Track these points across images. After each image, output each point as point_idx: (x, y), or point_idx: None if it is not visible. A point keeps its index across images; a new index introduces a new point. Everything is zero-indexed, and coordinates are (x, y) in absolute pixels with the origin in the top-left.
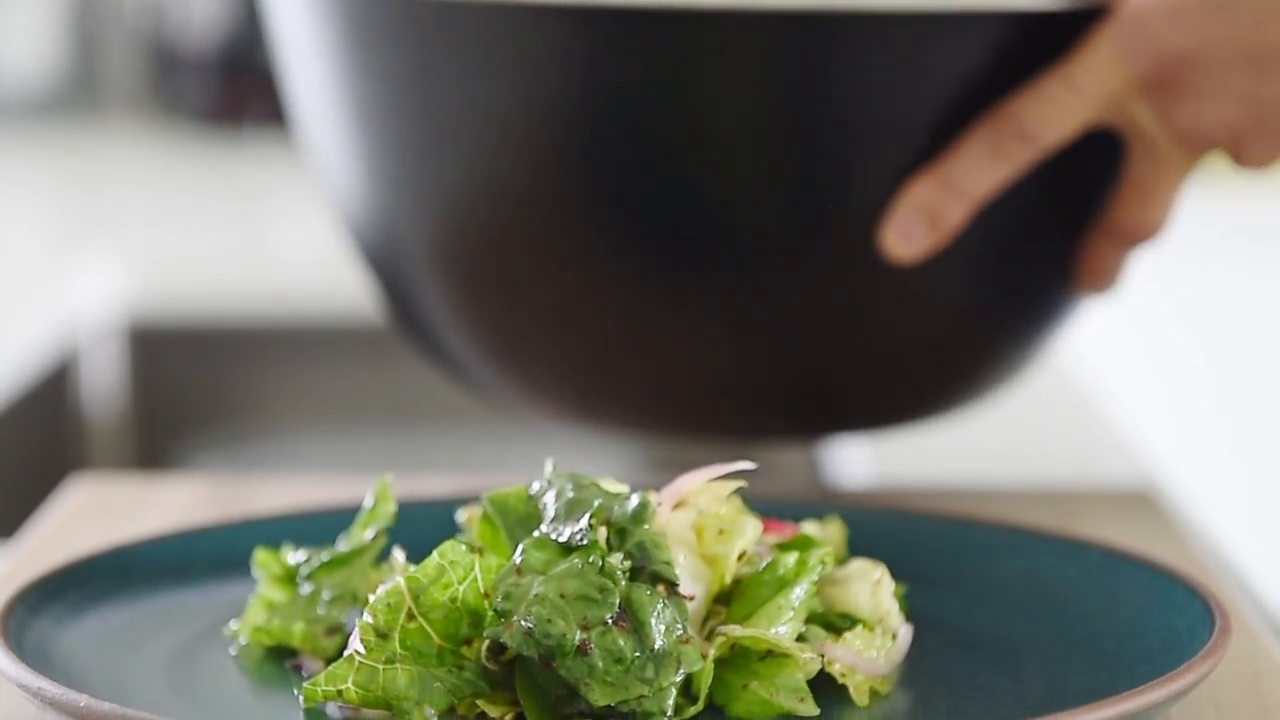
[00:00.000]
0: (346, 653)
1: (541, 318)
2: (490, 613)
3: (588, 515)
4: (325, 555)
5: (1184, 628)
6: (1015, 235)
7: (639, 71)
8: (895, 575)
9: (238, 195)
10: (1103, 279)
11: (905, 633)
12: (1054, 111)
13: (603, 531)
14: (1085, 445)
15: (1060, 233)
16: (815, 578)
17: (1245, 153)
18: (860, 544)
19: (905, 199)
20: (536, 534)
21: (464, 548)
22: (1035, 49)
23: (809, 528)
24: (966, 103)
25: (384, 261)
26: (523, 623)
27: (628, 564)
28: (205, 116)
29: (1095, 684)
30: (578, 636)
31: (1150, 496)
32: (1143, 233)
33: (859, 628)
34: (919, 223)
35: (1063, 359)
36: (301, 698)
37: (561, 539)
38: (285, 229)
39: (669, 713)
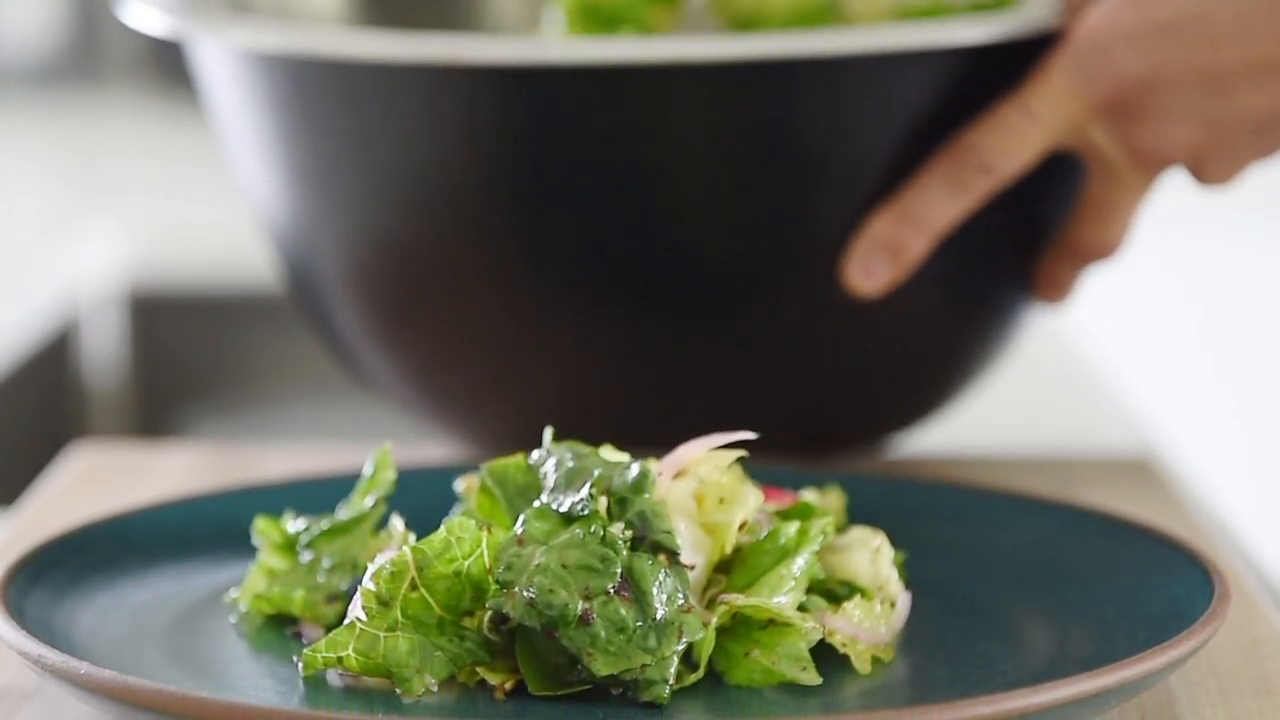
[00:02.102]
0: (347, 620)
1: (454, 342)
2: (491, 586)
3: (588, 485)
4: (325, 523)
5: (1183, 595)
6: (975, 254)
7: (589, 122)
8: (895, 543)
9: None
10: (1059, 292)
11: (904, 600)
12: (1012, 142)
13: (603, 501)
14: (1086, 413)
15: (1019, 249)
16: (816, 547)
17: (1205, 171)
18: (860, 512)
19: (866, 234)
20: (537, 504)
21: (473, 523)
22: (991, 79)
23: (808, 496)
24: (925, 135)
25: (303, 280)
26: (525, 593)
27: (629, 533)
28: None
29: (1095, 651)
30: (580, 606)
31: (1150, 464)
32: (1101, 251)
33: (858, 597)
34: (880, 257)
35: (1063, 328)
36: (301, 665)
37: (562, 509)
38: None
39: (670, 681)
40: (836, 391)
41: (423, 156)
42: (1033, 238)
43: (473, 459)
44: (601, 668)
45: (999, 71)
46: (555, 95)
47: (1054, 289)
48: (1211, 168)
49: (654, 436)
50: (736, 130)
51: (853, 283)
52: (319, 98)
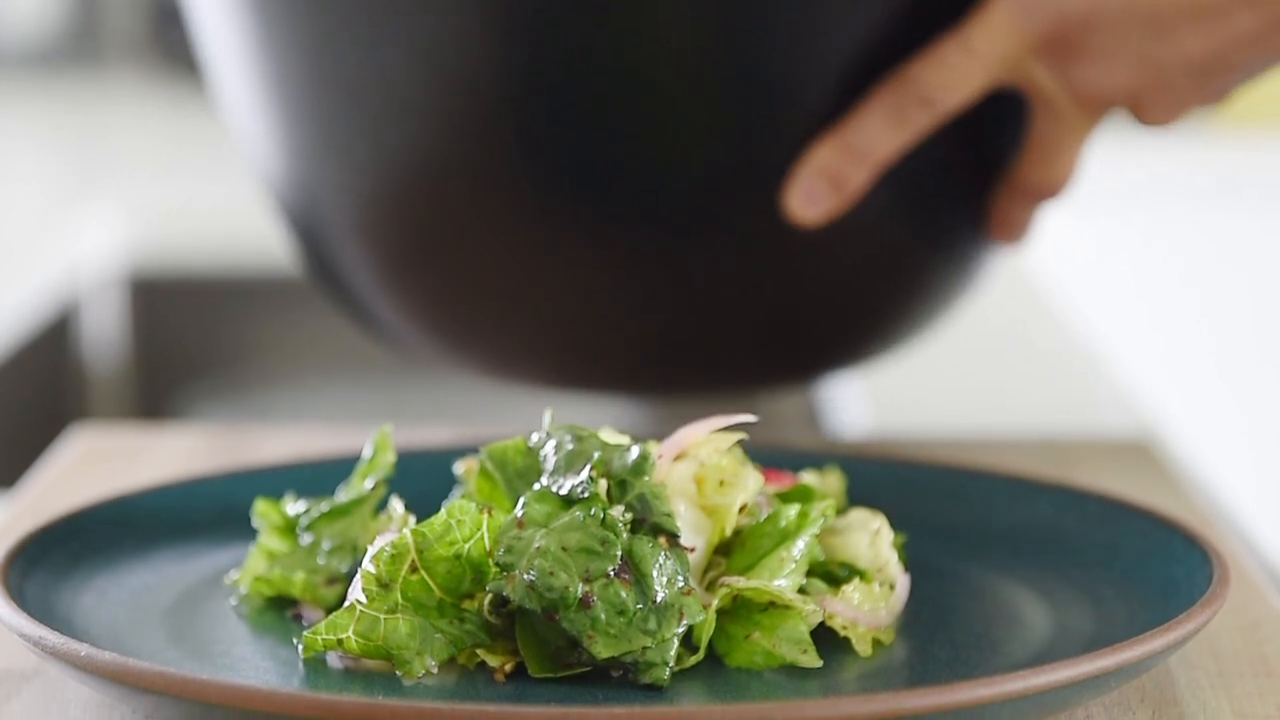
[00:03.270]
0: (347, 602)
1: (463, 277)
2: (491, 569)
3: (588, 467)
4: (325, 506)
5: (1182, 577)
6: (924, 188)
7: (549, 38)
8: (894, 525)
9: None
10: (1013, 232)
11: (904, 582)
12: (952, 76)
13: (603, 484)
14: (1084, 395)
15: (969, 185)
16: (816, 530)
17: (1145, 112)
18: (859, 494)
19: (808, 163)
20: (537, 487)
21: (473, 506)
22: (934, 12)
23: (808, 478)
24: (867, 67)
25: (305, 226)
26: (525, 576)
27: (629, 516)
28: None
29: (1094, 633)
30: (580, 589)
31: (1149, 446)
32: (1048, 189)
33: (857, 580)
34: (822, 186)
35: (1060, 308)
36: (301, 647)
37: (562, 491)
38: None
39: (671, 664)
40: (797, 316)
41: (414, 87)
42: (984, 179)
43: (473, 441)
44: (602, 650)
45: (943, 4)
46: (540, 13)
47: (1008, 228)
48: (1151, 109)
49: (647, 360)
50: (686, 53)
51: (793, 210)
52: (315, 32)
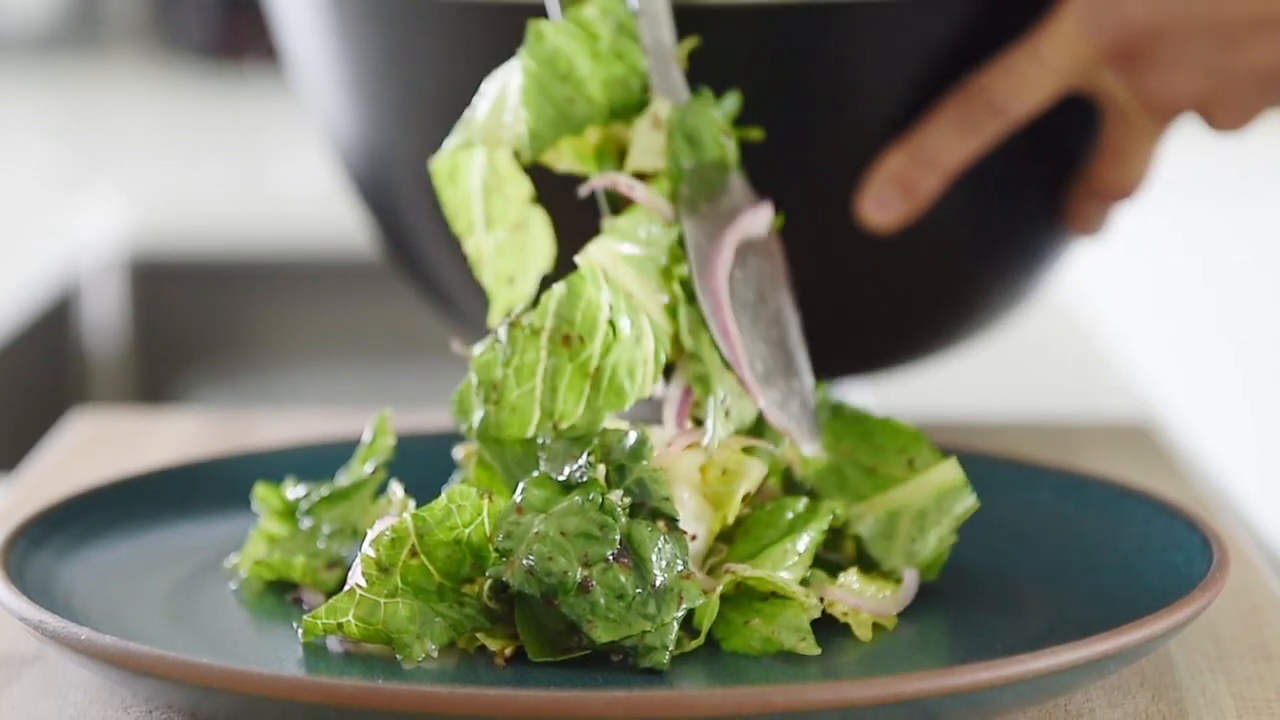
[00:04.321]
0: (347, 586)
1: None
2: (491, 555)
3: (587, 453)
4: (324, 490)
5: (1182, 561)
6: (998, 189)
7: None
8: None
9: (239, 130)
10: (1088, 227)
11: (911, 576)
12: (1022, 85)
13: (601, 469)
14: (1085, 379)
15: (1044, 184)
16: (825, 525)
17: (1215, 118)
18: None
19: (880, 170)
20: (536, 473)
21: (474, 492)
22: (1004, 22)
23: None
24: (938, 76)
25: (379, 198)
26: (524, 561)
27: (627, 501)
28: (206, 51)
29: (1094, 617)
30: (579, 574)
31: (1149, 430)
32: (1121, 191)
33: (855, 570)
34: (893, 193)
35: (1062, 293)
36: (301, 631)
37: (561, 477)
38: (286, 164)
39: (670, 648)
40: (864, 313)
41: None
42: (1060, 173)
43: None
44: (601, 635)
45: (1014, 15)
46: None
47: (1083, 224)
48: (1220, 115)
49: None
50: (760, 68)
51: (866, 216)
52: (394, 8)
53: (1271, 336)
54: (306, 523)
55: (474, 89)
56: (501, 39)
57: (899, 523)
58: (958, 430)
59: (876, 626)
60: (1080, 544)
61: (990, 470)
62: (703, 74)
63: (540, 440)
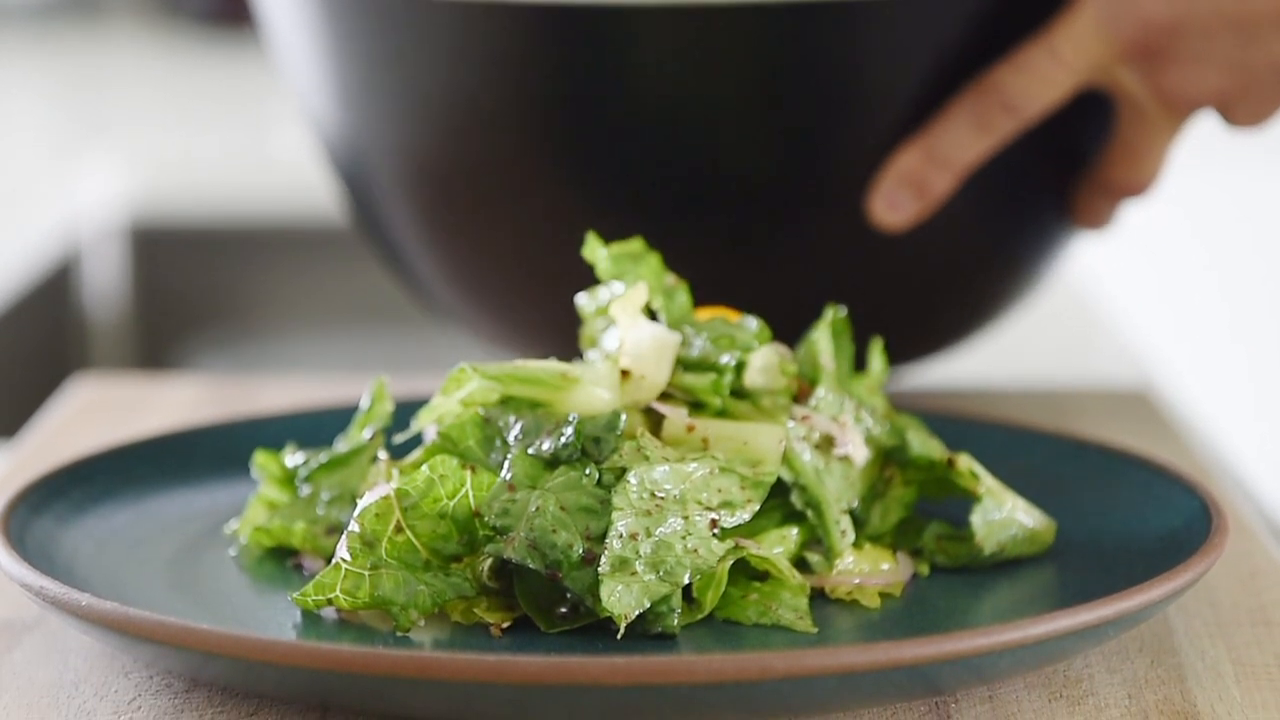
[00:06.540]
0: (333, 561)
1: (509, 248)
2: (483, 532)
3: (570, 429)
4: (323, 456)
5: (1181, 527)
6: (1007, 186)
7: (629, 59)
8: None
9: (239, 97)
10: (1098, 222)
11: (905, 560)
12: (1036, 82)
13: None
14: (1084, 345)
15: (1055, 180)
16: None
17: (1234, 114)
18: None
19: (892, 169)
20: (516, 450)
21: (455, 462)
22: (1018, 18)
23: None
24: (950, 74)
25: (353, 178)
26: (525, 535)
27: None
28: (207, 18)
29: (1093, 582)
30: (581, 547)
31: (1148, 396)
32: (1133, 188)
33: (853, 553)
34: (905, 192)
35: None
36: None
37: (544, 452)
38: (287, 131)
39: (678, 610)
40: (873, 312)
41: (469, 87)
42: (1069, 168)
43: None
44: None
45: (1028, 11)
46: (598, 32)
47: (1092, 220)
48: (1239, 111)
49: None
50: (771, 68)
51: (877, 216)
52: (373, 27)
53: (1270, 303)
54: (306, 489)
55: (440, 71)
56: (469, 19)
57: None
58: (956, 396)
59: (883, 595)
60: (1079, 509)
61: (989, 435)
62: (716, 74)
63: (501, 424)
